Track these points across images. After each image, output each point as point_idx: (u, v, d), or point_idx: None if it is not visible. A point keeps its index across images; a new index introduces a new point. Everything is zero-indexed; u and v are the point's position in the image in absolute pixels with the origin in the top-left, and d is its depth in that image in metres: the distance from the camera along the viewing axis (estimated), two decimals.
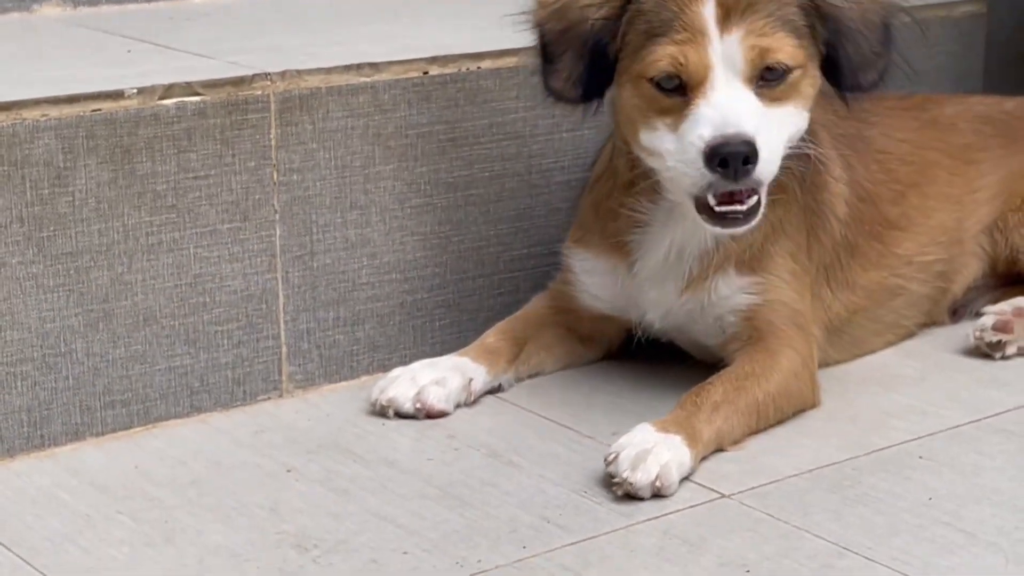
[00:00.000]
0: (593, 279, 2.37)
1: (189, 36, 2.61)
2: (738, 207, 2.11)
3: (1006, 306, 2.52)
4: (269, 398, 2.35)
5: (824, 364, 2.42)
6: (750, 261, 2.28)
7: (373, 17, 2.81)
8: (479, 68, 2.44)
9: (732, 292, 2.28)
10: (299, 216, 2.32)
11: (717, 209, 2.11)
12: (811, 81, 2.18)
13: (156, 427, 2.25)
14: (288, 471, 2.11)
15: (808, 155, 2.30)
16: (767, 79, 2.11)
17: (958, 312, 2.64)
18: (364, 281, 2.40)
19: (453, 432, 2.23)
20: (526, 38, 2.23)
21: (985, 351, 2.48)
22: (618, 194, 2.32)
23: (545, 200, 2.54)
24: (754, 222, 2.14)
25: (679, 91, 2.10)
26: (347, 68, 2.34)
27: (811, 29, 2.17)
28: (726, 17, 2.10)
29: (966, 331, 2.53)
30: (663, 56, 2.10)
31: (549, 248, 2.50)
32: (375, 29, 2.68)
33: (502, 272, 2.53)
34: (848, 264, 2.44)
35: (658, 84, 2.11)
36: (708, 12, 2.10)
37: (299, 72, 2.29)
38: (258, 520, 1.97)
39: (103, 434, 2.21)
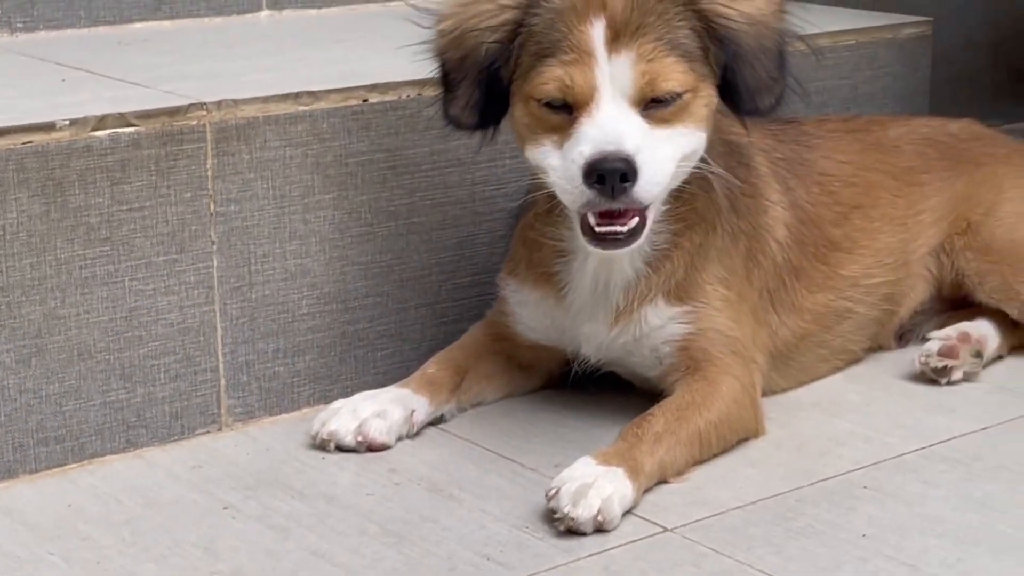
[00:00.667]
0: (526, 310, 2.35)
1: (126, 63, 2.58)
2: (618, 228, 2.09)
3: (951, 331, 2.50)
4: (208, 432, 2.31)
5: (770, 392, 2.41)
6: (677, 290, 2.26)
7: (313, 43, 2.78)
8: (420, 95, 2.41)
9: (663, 322, 2.26)
10: (237, 247, 2.29)
11: (597, 229, 2.10)
12: (704, 101, 2.15)
13: (91, 464, 2.21)
14: (225, 508, 2.07)
15: (735, 176, 2.30)
16: (655, 103, 2.10)
17: (904, 336, 2.63)
18: (304, 312, 2.37)
19: (394, 466, 2.20)
20: (428, 67, 2.23)
21: (931, 377, 2.47)
22: (539, 223, 2.30)
23: (488, 227, 2.51)
24: (635, 244, 2.12)
25: (565, 110, 2.09)
26: (285, 97, 2.31)
27: (704, 51, 2.15)
28: (615, 39, 2.08)
29: (912, 356, 2.52)
30: (550, 78, 2.09)
31: (493, 276, 2.46)
32: (314, 55, 2.65)
33: (445, 301, 2.50)
34: (793, 287, 2.42)
35: (546, 104, 2.10)
36: (597, 33, 2.08)
37: (236, 101, 2.26)
38: (193, 559, 1.94)
39: (36, 472, 2.17)
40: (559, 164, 2.09)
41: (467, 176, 2.49)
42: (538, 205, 2.30)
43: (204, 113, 2.23)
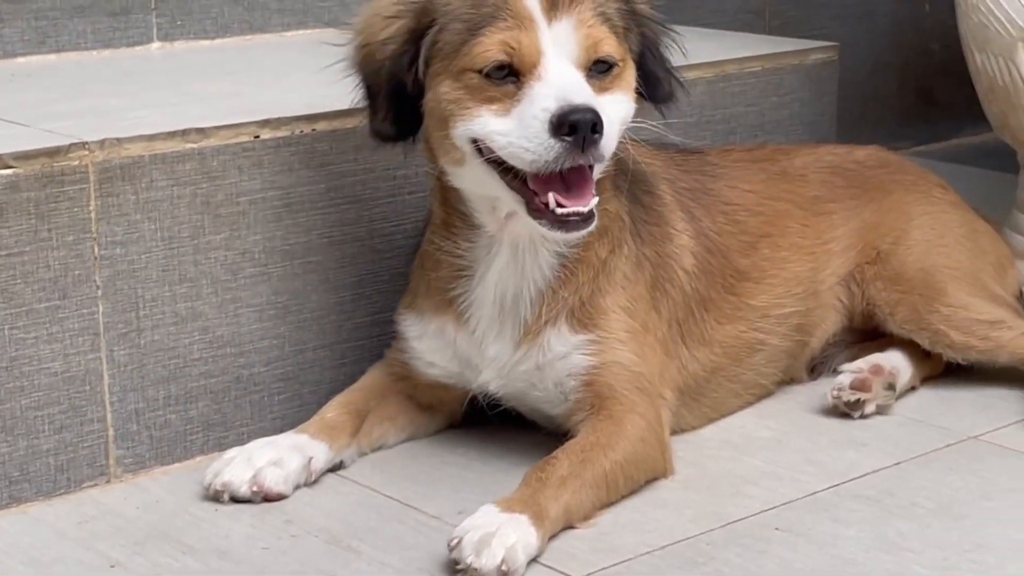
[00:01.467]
0: (425, 344, 2.29)
1: (6, 101, 2.48)
2: (581, 208, 2.04)
3: (863, 363, 2.46)
4: (96, 484, 2.22)
5: (679, 429, 2.35)
6: (581, 315, 2.21)
7: (204, 76, 2.70)
8: (313, 130, 2.34)
9: (566, 350, 2.20)
10: (124, 291, 2.20)
11: (559, 211, 2.04)
12: (631, 73, 2.16)
13: None
14: (112, 566, 1.98)
15: (640, 203, 2.27)
16: (597, 70, 2.09)
17: (816, 369, 2.58)
18: (196, 357, 2.28)
19: (291, 516, 2.11)
20: (350, 84, 2.20)
21: (843, 410, 2.42)
22: (436, 238, 2.25)
23: (388, 265, 2.44)
24: (592, 226, 2.07)
25: (510, 78, 2.05)
26: (172, 134, 2.22)
27: (627, 30, 2.17)
28: (552, 7, 2.07)
29: (824, 389, 2.47)
30: (491, 45, 2.05)
31: (393, 314, 2.39)
32: (205, 89, 2.56)
33: (344, 342, 2.42)
34: (703, 318, 2.37)
35: (486, 75, 2.06)
36: (532, 2, 2.07)
37: (120, 140, 2.18)
38: None
39: None
40: (511, 126, 2.04)
41: (365, 213, 2.41)
42: (435, 218, 2.24)
43: (86, 153, 2.15)
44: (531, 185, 2.06)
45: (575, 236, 2.11)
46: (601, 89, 2.08)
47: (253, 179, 2.29)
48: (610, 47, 2.10)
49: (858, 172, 2.65)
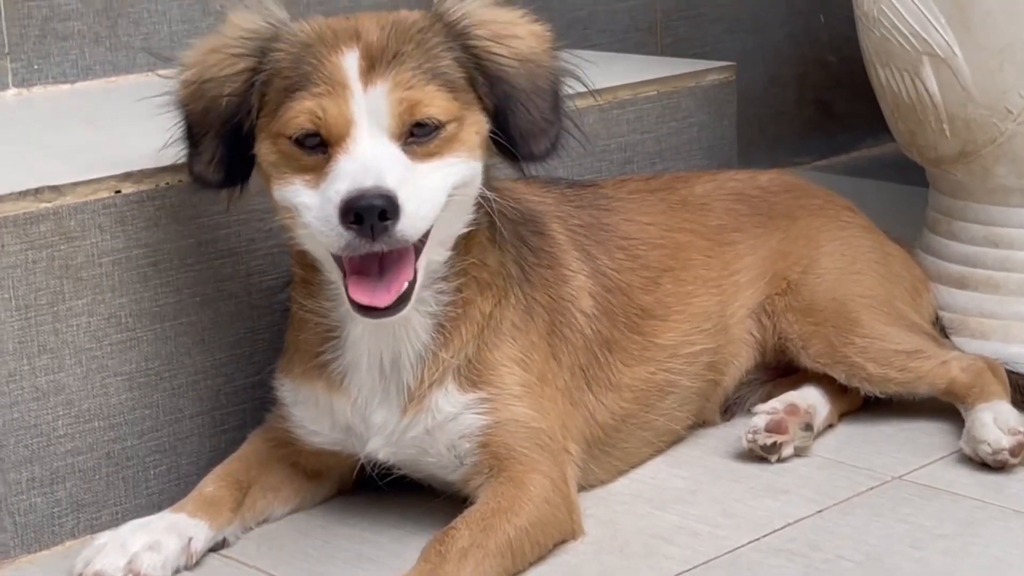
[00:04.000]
0: (303, 411, 2.13)
1: None
2: (377, 304, 1.91)
3: (778, 403, 2.33)
4: None
5: (586, 484, 2.20)
6: (469, 372, 2.06)
7: (62, 126, 2.51)
8: (180, 182, 2.17)
9: (456, 410, 2.05)
10: None
11: (354, 299, 1.92)
12: (475, 128, 2.00)
13: None
14: None
15: (528, 246, 2.14)
16: (417, 135, 1.93)
17: (730, 410, 2.45)
18: (61, 433, 2.10)
19: None
20: (172, 120, 2.06)
21: (760, 454, 2.29)
22: (299, 297, 2.09)
23: (269, 322, 2.27)
24: (405, 310, 1.93)
25: (320, 148, 1.92)
26: (23, 194, 2.05)
27: (470, 80, 2.00)
28: (370, 69, 1.92)
29: (738, 431, 2.34)
30: (300, 112, 1.92)
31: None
32: (61, 141, 2.38)
33: (224, 407, 2.25)
34: (607, 360, 2.23)
35: (298, 142, 1.92)
36: (349, 64, 1.92)
37: None
38: None
39: None
40: (314, 203, 1.90)
41: (241, 267, 2.24)
42: (294, 275, 2.10)
43: None
44: (344, 264, 1.93)
45: (377, 323, 1.97)
46: (425, 155, 1.93)
47: (116, 237, 2.12)
48: (435, 108, 1.93)
49: (762, 198, 2.52)
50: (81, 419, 2.12)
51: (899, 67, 2.57)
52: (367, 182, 1.86)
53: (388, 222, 1.86)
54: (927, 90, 2.54)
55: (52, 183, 2.07)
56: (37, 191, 2.06)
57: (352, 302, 1.93)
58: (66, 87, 2.81)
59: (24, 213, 2.04)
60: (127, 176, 2.14)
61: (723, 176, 2.57)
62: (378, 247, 1.88)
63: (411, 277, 1.94)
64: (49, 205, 2.06)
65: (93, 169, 2.14)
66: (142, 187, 2.14)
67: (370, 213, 1.85)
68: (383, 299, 1.92)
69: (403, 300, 1.93)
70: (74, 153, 2.27)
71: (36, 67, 2.77)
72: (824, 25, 3.98)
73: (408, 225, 1.88)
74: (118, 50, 2.85)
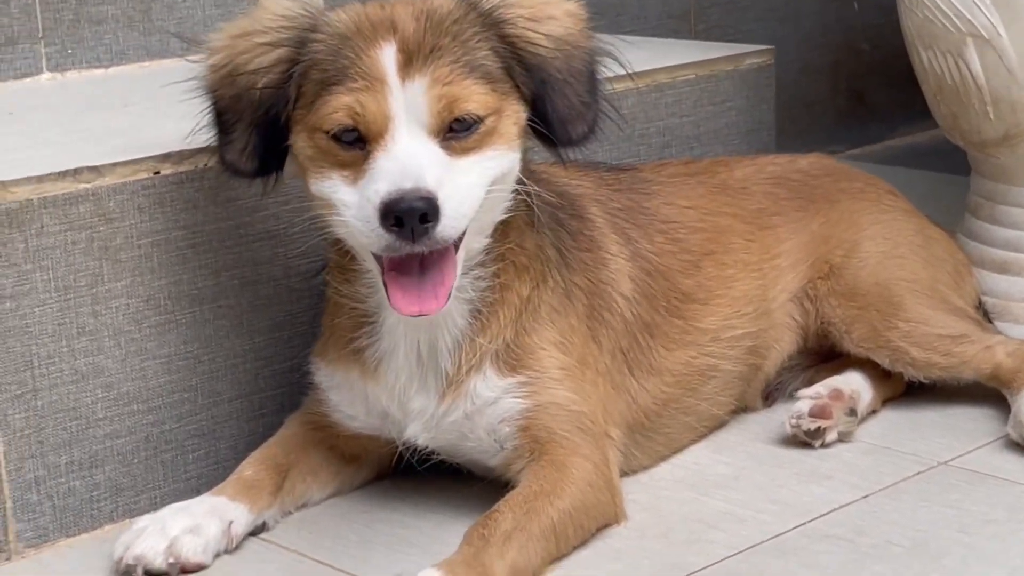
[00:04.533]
0: (339, 396, 2.11)
1: None
2: (423, 311, 1.89)
3: (821, 388, 2.30)
4: None
5: (628, 470, 2.18)
6: (508, 356, 2.03)
7: (99, 108, 2.49)
8: None
9: (496, 395, 2.03)
10: (15, 349, 2.00)
11: (402, 309, 1.90)
12: (513, 119, 1.97)
13: None
14: None
15: (567, 229, 2.11)
16: (456, 130, 1.90)
17: (771, 395, 2.42)
18: (100, 416, 2.08)
19: None
20: (200, 106, 2.02)
21: (804, 440, 2.26)
22: (334, 282, 2.07)
23: (307, 305, 2.25)
24: (444, 307, 1.90)
25: (358, 144, 1.89)
26: (63, 175, 2.03)
27: (507, 70, 1.96)
28: (408, 63, 1.89)
29: (780, 417, 2.31)
30: (338, 107, 1.89)
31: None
32: (99, 123, 2.36)
33: (263, 391, 2.23)
34: (649, 345, 2.21)
35: (335, 137, 1.89)
36: (387, 58, 1.89)
37: (5, 183, 1.98)
38: None
39: None
40: (353, 201, 1.88)
41: (280, 250, 2.22)
42: (329, 260, 2.08)
43: None
44: (384, 263, 1.92)
45: (417, 321, 1.96)
46: (464, 150, 1.90)
47: (155, 219, 2.10)
48: (474, 103, 1.90)
49: (803, 182, 2.50)
50: (120, 402, 2.10)
51: (942, 49, 2.54)
52: (407, 183, 1.83)
53: (429, 224, 1.83)
54: (971, 72, 2.51)
55: (91, 164, 2.05)
56: (76, 172, 2.04)
57: (395, 310, 1.91)
58: (100, 72, 2.79)
59: (63, 194, 2.02)
60: (166, 157, 2.12)
61: (763, 160, 2.55)
62: (419, 249, 1.86)
63: (455, 278, 1.92)
64: (88, 186, 2.05)
65: (131, 151, 2.12)
66: (181, 168, 2.12)
67: (410, 216, 1.82)
68: (431, 306, 1.89)
69: (442, 305, 1.91)
70: (111, 135, 2.26)
71: (70, 52, 2.76)
72: (858, 13, 3.95)
73: (448, 225, 1.85)
74: (152, 35, 2.83)
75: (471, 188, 1.90)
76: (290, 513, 2.11)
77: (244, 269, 2.20)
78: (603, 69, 2.07)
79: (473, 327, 2.03)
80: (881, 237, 2.44)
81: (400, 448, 2.11)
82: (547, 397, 2.04)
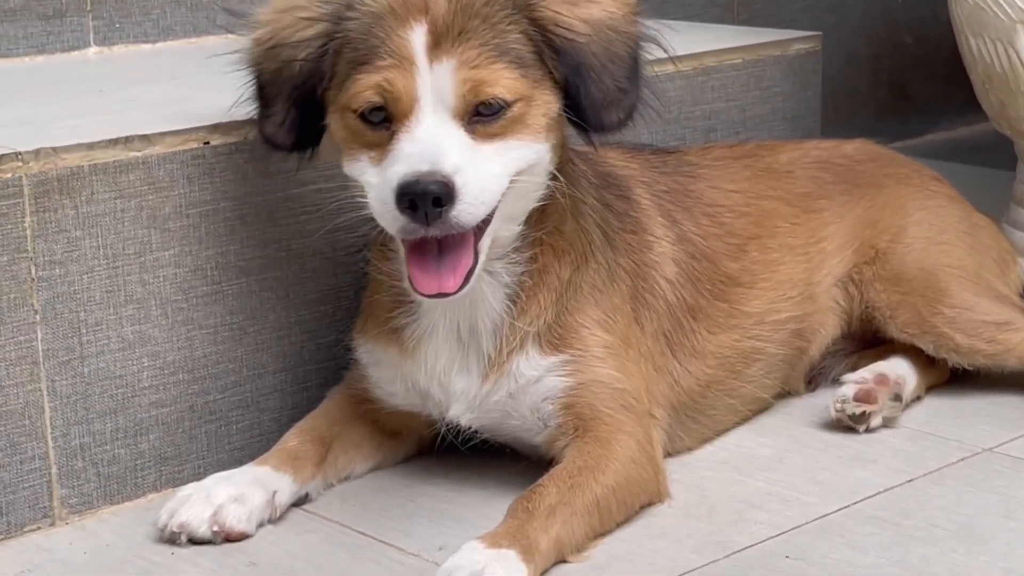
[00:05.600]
0: (380, 372, 2.11)
1: None
2: (443, 290, 1.89)
3: (867, 373, 2.29)
4: (39, 528, 2.02)
5: (673, 451, 2.17)
6: (550, 335, 2.03)
7: (146, 81, 2.50)
8: None
9: (540, 373, 2.03)
10: (64, 315, 2.01)
11: (418, 289, 1.90)
12: (542, 110, 1.94)
13: None
14: None
15: (612, 210, 2.11)
16: (483, 114, 1.89)
17: (814, 380, 2.42)
18: (146, 385, 2.09)
19: (255, 558, 1.93)
20: (243, 80, 2.02)
21: (848, 424, 2.25)
22: (376, 259, 2.08)
23: (352, 280, 2.25)
24: (465, 290, 1.90)
25: (385, 124, 1.89)
26: (113, 142, 2.03)
27: (539, 56, 1.94)
28: (436, 45, 1.88)
29: (824, 402, 2.31)
30: (367, 86, 1.89)
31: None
32: (148, 95, 2.37)
33: (307, 364, 2.23)
34: (692, 328, 2.20)
35: (363, 116, 1.90)
36: (417, 39, 1.88)
37: (56, 149, 1.98)
38: None
39: None
40: (376, 182, 1.88)
41: (327, 223, 2.22)
42: (374, 238, 2.07)
43: (20, 164, 1.95)
44: (403, 243, 1.92)
45: (443, 301, 1.96)
46: (489, 136, 1.89)
47: (204, 189, 2.10)
48: (501, 87, 1.89)
49: (848, 167, 2.49)
50: (166, 371, 2.11)
51: (992, 36, 2.53)
52: (423, 166, 1.83)
53: (442, 208, 1.83)
54: (1020, 60, 2.50)
55: (142, 132, 2.06)
56: (127, 140, 2.04)
57: (415, 290, 1.91)
58: (147, 47, 2.80)
59: (114, 161, 2.03)
60: (216, 128, 2.12)
61: (808, 145, 2.54)
62: (433, 232, 1.86)
63: (471, 263, 1.91)
64: (139, 154, 2.05)
65: (181, 120, 2.13)
66: (230, 139, 2.13)
67: (424, 199, 1.82)
68: (449, 285, 1.89)
69: (464, 283, 1.90)
70: (160, 106, 2.26)
71: (118, 26, 2.77)
72: (901, 5, 3.94)
73: (464, 211, 1.84)
74: (199, 10, 2.84)
75: (494, 177, 1.89)
76: (333, 485, 2.12)
77: (291, 242, 2.20)
78: (647, 55, 2.04)
79: (511, 311, 2.03)
80: (927, 223, 2.43)
81: (443, 428, 2.11)
82: (590, 375, 2.04)
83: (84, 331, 2.03)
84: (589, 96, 1.97)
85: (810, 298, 2.35)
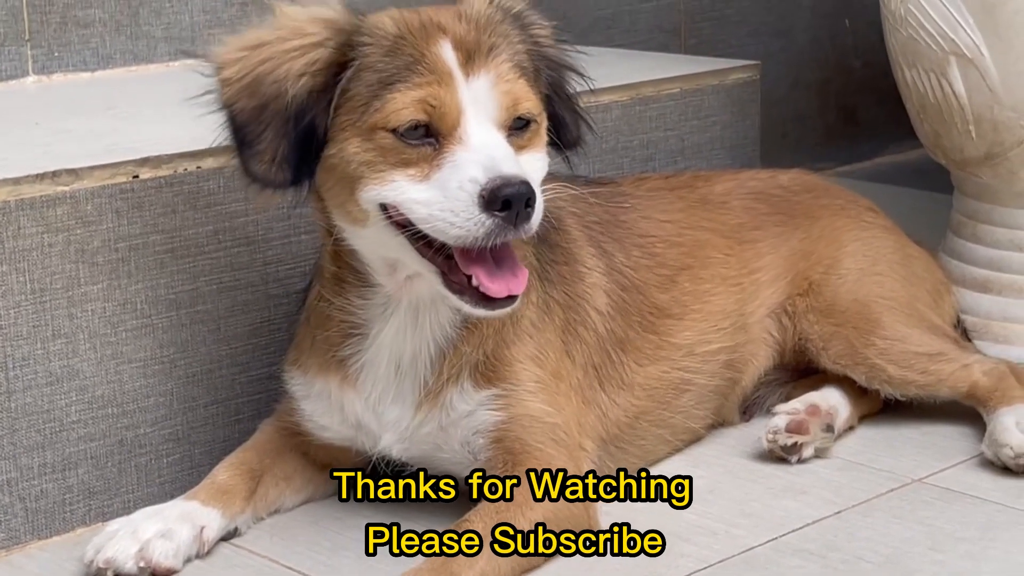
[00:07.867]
0: (313, 405, 2.10)
1: None
2: (513, 291, 1.89)
3: (798, 403, 2.30)
4: None
5: None
6: (486, 369, 2.03)
7: (81, 112, 2.49)
8: (199, 168, 2.15)
9: (471, 407, 2.03)
10: None
11: (493, 295, 1.88)
12: (545, 125, 2.01)
13: None
14: None
15: (546, 242, 2.12)
16: (515, 127, 1.92)
17: (749, 410, 2.42)
18: (74, 419, 2.08)
19: None
20: (216, 120, 1.97)
21: (780, 455, 2.26)
22: (327, 293, 2.06)
23: (284, 312, 2.26)
24: (517, 303, 1.91)
25: (427, 141, 1.88)
26: (40, 177, 2.03)
27: (537, 74, 2.00)
28: (467, 60, 1.90)
29: (757, 432, 2.31)
30: (407, 103, 1.87)
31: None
32: (80, 127, 2.36)
33: (239, 396, 2.23)
34: (620, 360, 2.20)
35: (401, 135, 1.87)
36: (448, 55, 1.89)
37: None
38: None
39: None
40: (429, 196, 1.86)
41: (257, 256, 2.23)
42: (324, 271, 2.06)
43: None
44: (457, 258, 1.89)
45: (500, 314, 1.95)
46: (519, 147, 1.92)
47: (132, 223, 2.10)
48: (530, 103, 1.93)
49: (783, 198, 2.50)
50: (94, 405, 2.10)
51: (925, 67, 2.55)
52: (506, 170, 1.84)
53: (531, 209, 1.84)
54: (953, 91, 2.52)
55: (70, 166, 2.05)
56: (55, 174, 2.04)
57: (472, 291, 1.89)
58: (86, 75, 2.80)
59: (41, 196, 2.03)
60: (145, 161, 2.12)
61: (744, 175, 2.55)
62: (518, 235, 1.86)
63: (526, 270, 1.93)
64: (66, 188, 2.05)
65: (111, 154, 2.13)
66: (160, 173, 2.13)
67: (519, 200, 1.82)
68: (517, 286, 1.89)
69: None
70: (92, 138, 2.26)
71: (56, 55, 2.76)
72: (849, 30, 3.96)
73: (536, 215, 1.87)
74: (139, 39, 2.84)
75: (537, 184, 1.91)
76: (263, 518, 2.11)
77: (222, 274, 2.20)
78: (572, 83, 2.09)
79: (459, 335, 2.03)
80: (861, 254, 2.44)
81: (374, 458, 2.11)
82: (521, 409, 2.04)
83: (11, 366, 2.02)
84: (569, 108, 2.06)
85: (742, 329, 2.36)
